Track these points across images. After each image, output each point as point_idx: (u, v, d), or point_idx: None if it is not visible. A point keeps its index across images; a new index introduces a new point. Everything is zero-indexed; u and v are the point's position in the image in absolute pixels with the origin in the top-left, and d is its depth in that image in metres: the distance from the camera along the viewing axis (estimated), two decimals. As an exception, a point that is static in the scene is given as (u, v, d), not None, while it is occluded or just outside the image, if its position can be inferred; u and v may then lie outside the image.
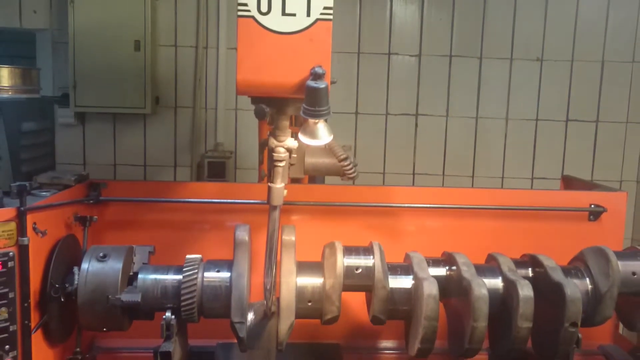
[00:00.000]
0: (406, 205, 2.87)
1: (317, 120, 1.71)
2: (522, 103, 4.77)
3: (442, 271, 2.36)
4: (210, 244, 2.74)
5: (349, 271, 2.27)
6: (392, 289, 2.31)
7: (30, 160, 2.44)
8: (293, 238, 2.35)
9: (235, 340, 2.29)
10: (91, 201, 2.67)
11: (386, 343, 2.92)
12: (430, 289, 2.18)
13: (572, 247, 2.57)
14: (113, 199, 2.76)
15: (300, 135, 1.77)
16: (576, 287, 2.19)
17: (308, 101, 1.65)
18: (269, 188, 1.85)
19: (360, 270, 2.27)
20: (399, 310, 2.32)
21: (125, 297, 2.18)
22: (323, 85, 1.65)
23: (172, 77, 4.52)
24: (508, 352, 2.21)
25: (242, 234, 2.35)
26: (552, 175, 4.67)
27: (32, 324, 2.10)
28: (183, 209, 2.82)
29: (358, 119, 4.60)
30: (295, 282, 2.21)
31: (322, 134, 1.73)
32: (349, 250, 2.31)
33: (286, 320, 2.14)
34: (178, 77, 4.51)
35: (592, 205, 2.92)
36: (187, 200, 2.80)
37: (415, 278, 2.29)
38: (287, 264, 2.23)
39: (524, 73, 4.78)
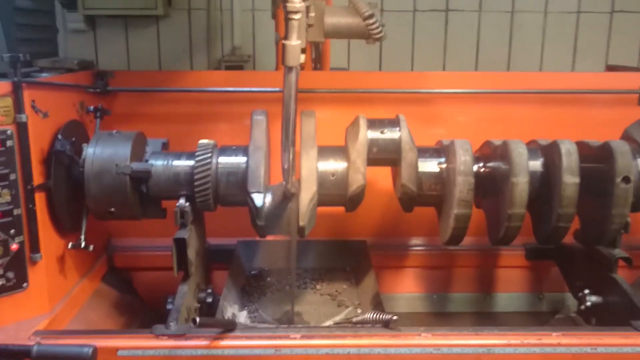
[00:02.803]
0: (438, 90, 2.64)
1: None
2: (562, -7, 4.34)
3: (475, 167, 2.13)
4: (225, 136, 2.57)
5: (373, 139, 2.10)
6: (421, 172, 2.13)
7: (28, 42, 2.26)
8: (312, 112, 2.18)
9: (257, 237, 2.16)
10: (98, 90, 2.49)
11: (415, 240, 2.77)
12: (462, 143, 2.05)
13: (620, 135, 2.33)
14: (121, 89, 2.59)
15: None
16: (624, 143, 2.02)
17: None
18: (284, 46, 1.63)
19: (385, 134, 2.10)
20: (429, 195, 2.15)
21: (136, 165, 2.03)
22: None
23: (183, -26, 4.24)
24: (555, 223, 2.00)
25: (260, 116, 2.18)
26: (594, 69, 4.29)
27: (38, 209, 1.97)
28: (195, 100, 2.64)
29: (384, 17, 4.25)
30: (315, 152, 2.04)
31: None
32: (372, 122, 2.13)
33: (308, 192, 1.98)
34: (190, -26, 4.22)
35: (643, 88, 2.66)
36: (199, 89, 2.61)
37: (445, 146, 2.13)
38: (307, 135, 2.06)
39: (564, -40, 4.33)
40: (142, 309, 2.62)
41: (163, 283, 2.57)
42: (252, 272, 2.58)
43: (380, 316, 1.89)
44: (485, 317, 2.69)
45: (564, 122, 2.65)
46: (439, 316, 2.70)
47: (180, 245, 2.04)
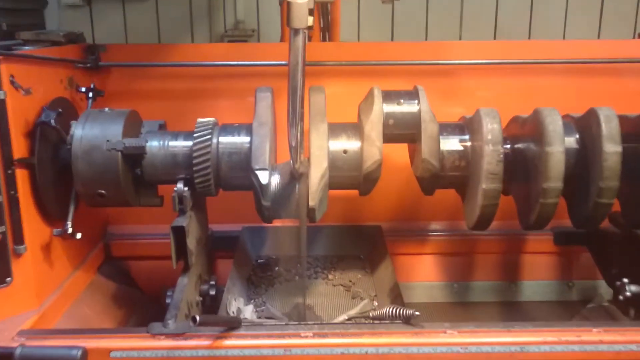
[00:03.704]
0: (458, 62, 2.43)
1: None
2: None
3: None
4: (227, 114, 2.38)
5: (389, 111, 1.92)
6: (443, 150, 1.93)
7: (12, 13, 2.06)
8: (321, 87, 1.99)
9: (263, 223, 1.97)
10: (88, 65, 2.30)
11: (434, 224, 2.58)
12: (489, 111, 1.87)
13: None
14: (114, 64, 2.39)
15: None
16: None
17: None
18: (289, 5, 1.42)
19: (402, 105, 1.93)
20: (453, 175, 1.95)
21: (129, 141, 1.85)
22: None
23: (182, -56, 3.99)
24: (596, 199, 1.78)
25: (264, 93, 1.99)
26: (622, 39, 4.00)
27: (21, 195, 1.78)
28: (194, 75, 2.45)
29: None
30: (326, 128, 1.85)
31: None
32: (388, 94, 1.93)
33: (318, 169, 1.79)
34: (189, -56, 3.97)
35: (681, 56, 2.42)
36: (199, 63, 2.41)
37: (469, 118, 1.95)
38: (316, 110, 1.88)
39: None
40: (142, 302, 2.45)
41: (164, 273, 2.38)
42: (259, 261, 2.40)
43: (400, 311, 1.70)
44: (510, 307, 2.51)
45: (593, 94, 2.44)
46: (460, 306, 2.51)
47: (179, 233, 1.86)
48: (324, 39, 2.61)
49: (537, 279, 2.55)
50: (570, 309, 2.47)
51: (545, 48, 2.48)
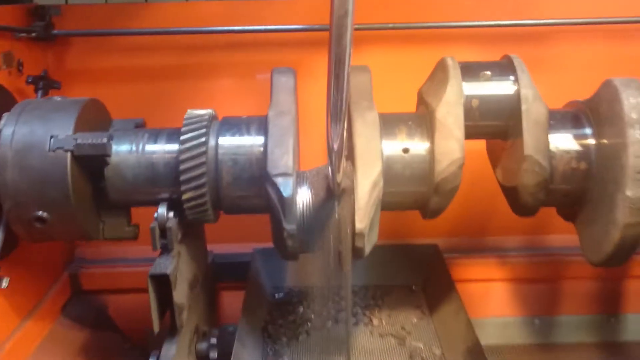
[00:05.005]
0: (544, 22, 1.79)
1: None
2: None
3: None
4: (228, 99, 1.78)
5: (472, 93, 1.33)
6: (553, 150, 1.30)
7: None
8: (366, 67, 1.42)
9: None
10: (34, 34, 1.66)
11: (508, 241, 1.97)
12: (627, 82, 1.27)
13: None
14: (73, 32, 1.75)
15: None
16: None
17: None
18: None
19: (492, 81, 1.35)
20: (566, 188, 1.32)
21: (84, 137, 1.25)
22: None
23: None
24: None
25: (284, 76, 1.37)
26: None
27: None
28: (182, 45, 1.82)
29: None
30: (376, 116, 1.29)
31: None
32: (468, 66, 1.36)
33: (368, 174, 1.20)
34: None
35: None
36: (188, 29, 1.78)
37: (588, 99, 1.37)
38: (360, 92, 1.34)
39: None
40: (123, 350, 1.87)
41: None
42: (277, 296, 1.79)
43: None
44: (609, 349, 1.91)
45: None
46: (544, 349, 1.92)
47: (161, 283, 1.24)
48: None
49: (646, 311, 1.94)
50: (693, 350, 1.87)
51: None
